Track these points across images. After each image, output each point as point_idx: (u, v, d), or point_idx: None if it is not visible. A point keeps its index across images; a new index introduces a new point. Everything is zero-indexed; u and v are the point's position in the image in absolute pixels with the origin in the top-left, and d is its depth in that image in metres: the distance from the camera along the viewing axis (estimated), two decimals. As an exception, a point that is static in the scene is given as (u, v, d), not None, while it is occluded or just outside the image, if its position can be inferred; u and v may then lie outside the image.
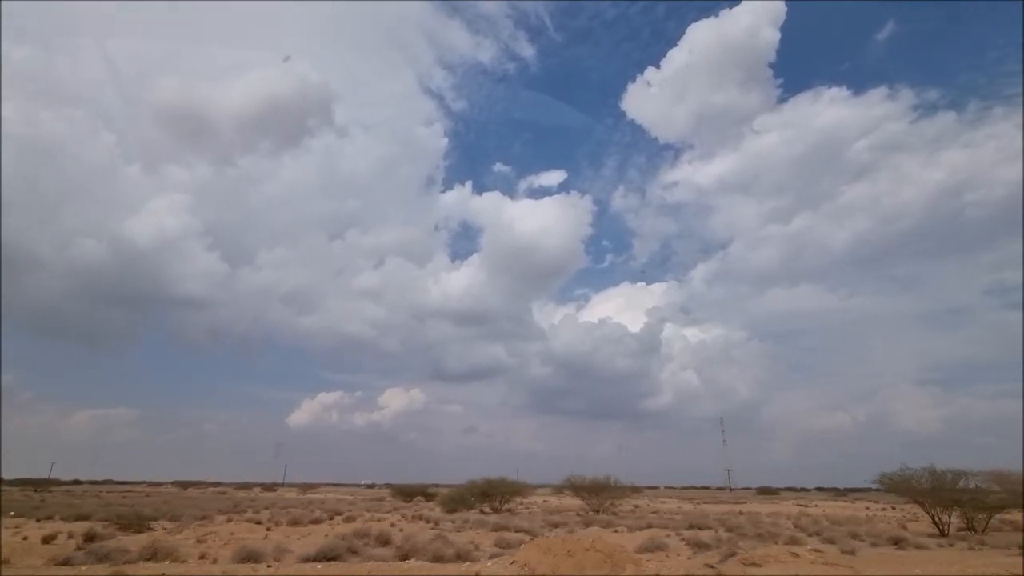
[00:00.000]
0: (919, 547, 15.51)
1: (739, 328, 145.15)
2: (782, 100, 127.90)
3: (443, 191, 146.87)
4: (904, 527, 22.47)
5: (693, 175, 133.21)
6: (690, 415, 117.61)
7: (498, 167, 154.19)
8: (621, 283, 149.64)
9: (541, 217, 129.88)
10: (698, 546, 14.57)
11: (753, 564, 11.09)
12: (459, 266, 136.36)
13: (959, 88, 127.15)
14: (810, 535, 18.03)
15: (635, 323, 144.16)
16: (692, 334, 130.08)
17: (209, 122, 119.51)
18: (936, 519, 20.73)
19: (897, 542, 16.09)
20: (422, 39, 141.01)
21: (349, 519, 23.04)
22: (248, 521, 21.06)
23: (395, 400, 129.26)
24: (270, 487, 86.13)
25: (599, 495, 31.49)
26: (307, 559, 11.52)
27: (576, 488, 33.10)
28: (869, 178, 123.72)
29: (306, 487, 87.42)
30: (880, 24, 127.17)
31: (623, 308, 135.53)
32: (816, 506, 44.75)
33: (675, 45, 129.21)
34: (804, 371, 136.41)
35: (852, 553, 13.74)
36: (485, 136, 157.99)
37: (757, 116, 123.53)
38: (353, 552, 12.39)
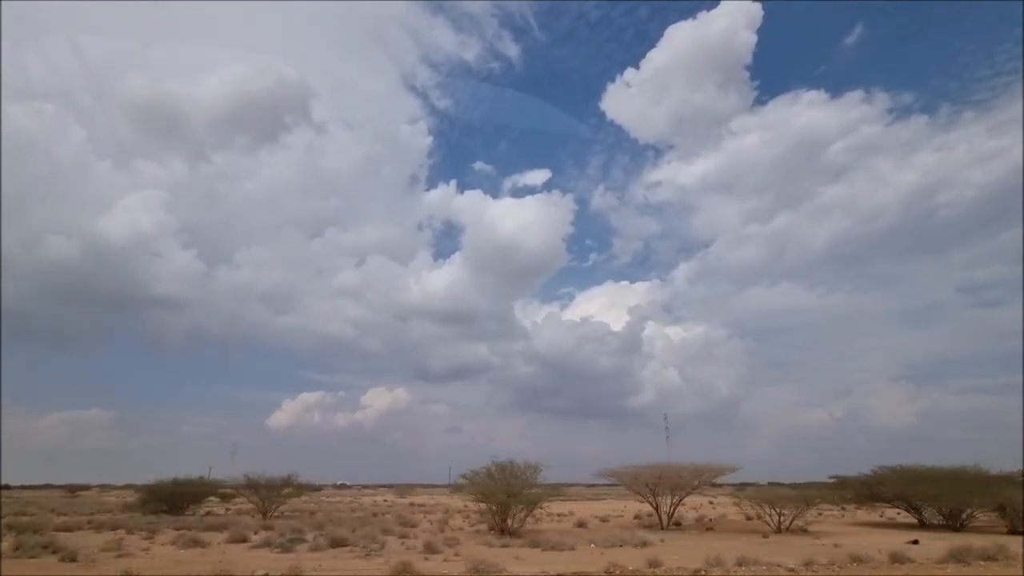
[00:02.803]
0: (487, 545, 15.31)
1: (720, 326, 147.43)
2: (762, 102, 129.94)
3: (427, 190, 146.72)
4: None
5: (675, 175, 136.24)
6: (672, 413, 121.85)
7: (483, 166, 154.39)
8: (605, 282, 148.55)
9: (523, 216, 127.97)
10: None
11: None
12: (441, 265, 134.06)
13: (931, 92, 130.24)
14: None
15: (618, 322, 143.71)
16: (674, 332, 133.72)
17: (182, 118, 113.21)
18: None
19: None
20: (406, 37, 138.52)
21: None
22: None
23: (378, 400, 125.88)
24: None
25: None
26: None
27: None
28: (846, 179, 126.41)
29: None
30: (849, 28, 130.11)
31: (607, 307, 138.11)
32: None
33: (655, 47, 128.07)
34: (784, 368, 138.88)
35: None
36: (470, 134, 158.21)
37: (734, 117, 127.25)
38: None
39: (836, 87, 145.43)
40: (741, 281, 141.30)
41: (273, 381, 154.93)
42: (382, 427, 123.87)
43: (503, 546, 15.42)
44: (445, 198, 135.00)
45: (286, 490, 29.24)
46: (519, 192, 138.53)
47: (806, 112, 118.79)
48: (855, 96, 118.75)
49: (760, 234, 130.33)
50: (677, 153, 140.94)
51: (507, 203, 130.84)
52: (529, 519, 20.91)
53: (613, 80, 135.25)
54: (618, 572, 10.73)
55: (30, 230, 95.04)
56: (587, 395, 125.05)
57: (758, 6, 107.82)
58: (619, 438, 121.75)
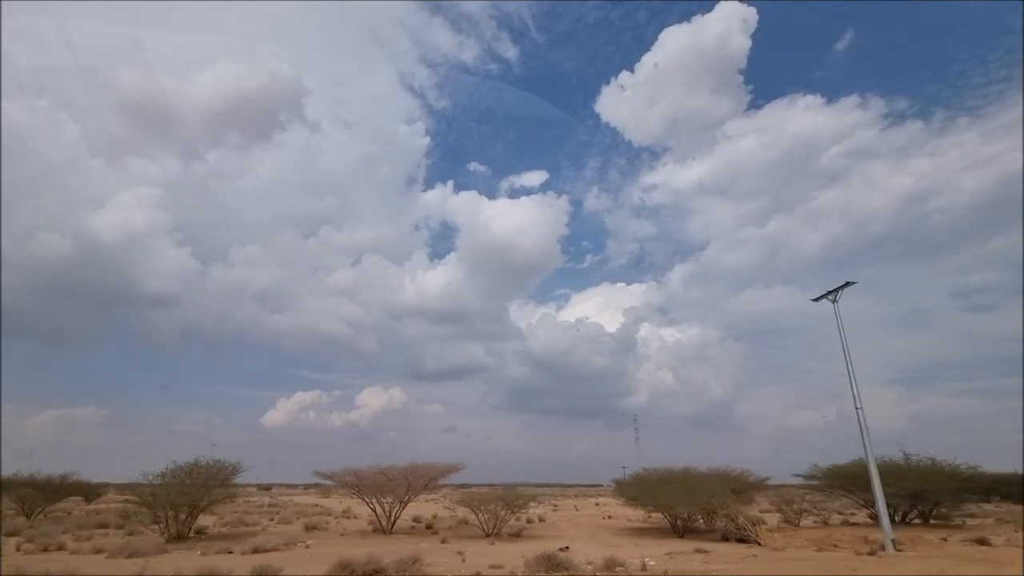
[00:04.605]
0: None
1: (714, 328, 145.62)
2: (758, 106, 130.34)
3: (424, 190, 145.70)
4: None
5: (671, 178, 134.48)
6: (666, 414, 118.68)
7: (480, 167, 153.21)
8: (601, 283, 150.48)
9: (518, 217, 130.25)
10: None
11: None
12: (437, 265, 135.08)
13: (926, 98, 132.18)
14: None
15: (613, 323, 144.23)
16: (669, 334, 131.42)
17: (175, 114, 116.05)
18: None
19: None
20: (405, 37, 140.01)
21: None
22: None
23: (374, 399, 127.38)
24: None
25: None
26: None
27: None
28: (841, 183, 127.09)
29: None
30: (841, 33, 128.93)
31: (602, 308, 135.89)
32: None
33: (650, 50, 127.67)
34: (777, 370, 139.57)
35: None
36: (467, 135, 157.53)
37: (728, 121, 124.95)
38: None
39: (832, 92, 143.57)
40: (735, 284, 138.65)
41: (268, 380, 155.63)
42: (377, 427, 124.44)
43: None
44: (442, 198, 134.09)
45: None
46: (515, 193, 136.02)
47: (801, 116, 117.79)
48: (851, 101, 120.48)
49: (754, 237, 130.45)
50: (672, 156, 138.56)
51: (503, 204, 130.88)
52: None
53: (607, 83, 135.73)
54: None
55: (23, 227, 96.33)
56: (581, 396, 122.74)
57: (753, 10, 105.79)
58: (613, 438, 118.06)
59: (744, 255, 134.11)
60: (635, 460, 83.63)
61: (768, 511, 27.18)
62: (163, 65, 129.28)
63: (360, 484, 21.12)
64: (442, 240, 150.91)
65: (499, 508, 19.58)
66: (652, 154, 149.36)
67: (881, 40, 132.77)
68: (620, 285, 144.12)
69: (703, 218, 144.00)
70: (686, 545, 17.41)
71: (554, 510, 38.03)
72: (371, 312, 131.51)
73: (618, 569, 11.79)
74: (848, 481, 24.61)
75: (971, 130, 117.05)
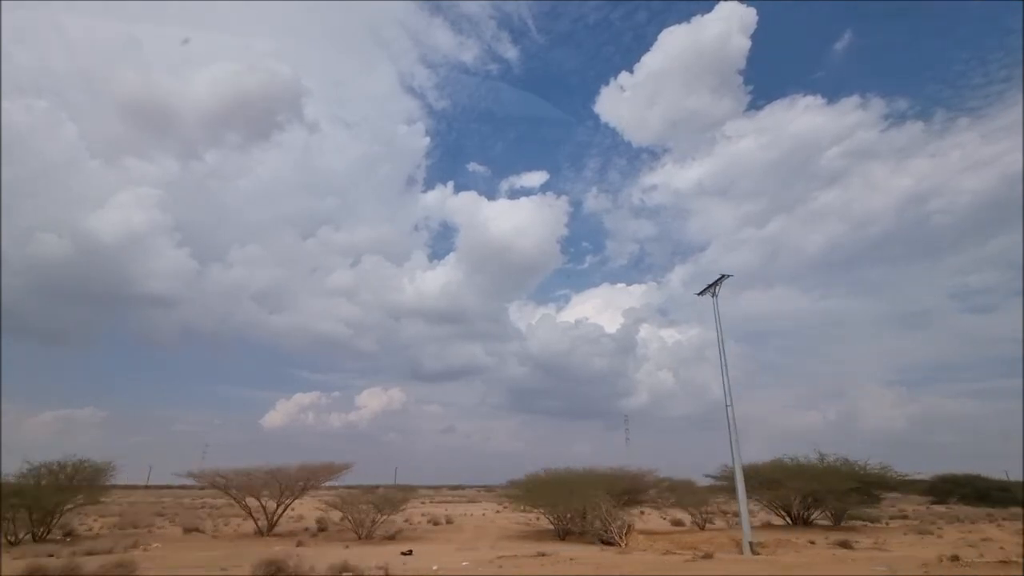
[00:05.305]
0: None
1: (714, 329, 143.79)
2: (758, 107, 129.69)
3: (424, 191, 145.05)
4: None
5: (671, 179, 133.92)
6: (666, 414, 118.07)
7: (480, 167, 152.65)
8: (601, 284, 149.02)
9: (517, 217, 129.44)
10: None
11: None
12: (436, 266, 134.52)
13: (926, 99, 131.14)
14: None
15: (612, 324, 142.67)
16: (669, 335, 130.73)
17: (173, 114, 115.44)
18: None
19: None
20: (405, 37, 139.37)
21: None
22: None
23: (373, 400, 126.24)
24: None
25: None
26: None
27: None
28: (841, 184, 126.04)
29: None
30: (840, 33, 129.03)
31: (602, 309, 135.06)
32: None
33: (650, 50, 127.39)
34: (777, 371, 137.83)
35: None
36: (467, 136, 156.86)
37: (728, 122, 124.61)
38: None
39: (832, 92, 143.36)
40: (735, 285, 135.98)
41: (267, 380, 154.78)
42: (377, 427, 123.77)
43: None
44: (441, 199, 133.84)
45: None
46: (515, 194, 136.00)
47: (802, 117, 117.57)
48: (851, 102, 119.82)
49: (754, 238, 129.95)
50: (672, 156, 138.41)
51: (502, 204, 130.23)
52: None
53: (607, 83, 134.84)
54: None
55: (22, 227, 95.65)
56: (581, 396, 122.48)
57: (752, 11, 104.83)
58: (613, 439, 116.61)
59: (744, 256, 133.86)
60: (626, 461, 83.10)
61: (684, 513, 26.53)
62: (162, 65, 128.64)
63: (228, 485, 20.37)
64: (442, 241, 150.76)
65: (370, 510, 18.89)
66: (652, 155, 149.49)
67: (881, 40, 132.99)
68: (620, 286, 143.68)
69: (703, 219, 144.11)
70: (550, 547, 16.80)
71: (494, 513, 37.19)
72: (370, 312, 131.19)
73: (344, 574, 11.32)
74: (755, 482, 24.03)
75: (971, 131, 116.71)
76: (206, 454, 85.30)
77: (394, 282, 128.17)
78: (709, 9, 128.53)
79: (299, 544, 17.60)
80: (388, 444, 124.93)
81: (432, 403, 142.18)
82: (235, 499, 20.89)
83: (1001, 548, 15.32)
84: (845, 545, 15.86)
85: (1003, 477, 48.79)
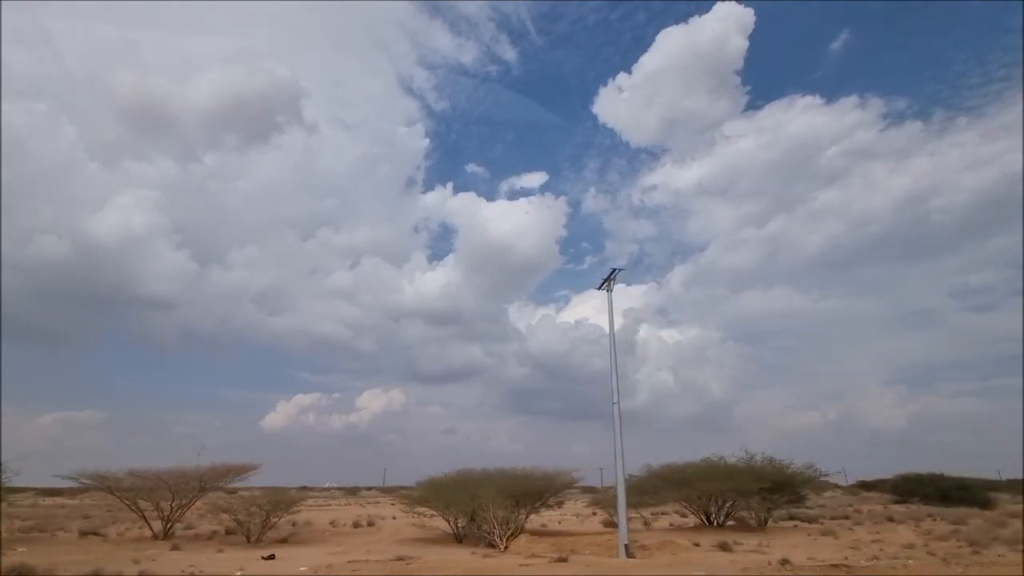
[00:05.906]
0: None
1: (714, 329, 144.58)
2: (756, 107, 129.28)
3: (424, 192, 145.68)
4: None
5: (670, 179, 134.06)
6: (665, 415, 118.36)
7: (480, 168, 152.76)
8: (602, 285, 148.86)
9: (516, 218, 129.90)
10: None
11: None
12: (435, 267, 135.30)
13: (925, 98, 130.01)
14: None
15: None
16: (668, 335, 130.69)
17: (172, 116, 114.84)
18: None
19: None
20: (404, 39, 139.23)
21: None
22: None
23: (373, 401, 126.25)
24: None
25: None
26: None
27: None
28: (840, 184, 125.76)
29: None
30: (836, 33, 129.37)
31: (602, 309, 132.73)
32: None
33: (648, 51, 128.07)
34: (777, 371, 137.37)
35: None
36: (467, 137, 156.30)
37: (726, 122, 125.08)
38: None
39: (831, 92, 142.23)
40: (735, 285, 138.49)
41: (267, 382, 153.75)
42: (377, 429, 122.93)
43: None
44: (441, 200, 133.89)
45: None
46: (514, 195, 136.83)
47: (801, 117, 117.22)
48: (850, 101, 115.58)
49: (754, 238, 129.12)
50: (671, 157, 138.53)
51: (502, 205, 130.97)
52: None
53: (605, 84, 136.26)
54: None
55: (21, 229, 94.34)
56: (581, 397, 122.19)
57: (750, 11, 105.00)
58: (612, 439, 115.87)
59: (744, 256, 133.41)
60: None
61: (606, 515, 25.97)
62: (160, 67, 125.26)
63: (114, 488, 19.80)
64: (441, 242, 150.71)
65: (258, 512, 18.34)
66: (651, 155, 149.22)
67: (880, 40, 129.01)
68: (620, 286, 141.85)
69: (703, 219, 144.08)
70: (430, 550, 16.28)
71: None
72: (370, 314, 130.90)
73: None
74: (673, 483, 23.54)
75: (971, 130, 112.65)
76: (200, 456, 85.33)
77: (394, 283, 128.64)
78: (707, 10, 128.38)
79: (174, 548, 17.06)
80: (388, 445, 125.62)
81: (432, 404, 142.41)
82: (124, 501, 20.23)
83: (881, 550, 14.82)
84: (724, 548, 15.33)
85: (995, 477, 48.29)
